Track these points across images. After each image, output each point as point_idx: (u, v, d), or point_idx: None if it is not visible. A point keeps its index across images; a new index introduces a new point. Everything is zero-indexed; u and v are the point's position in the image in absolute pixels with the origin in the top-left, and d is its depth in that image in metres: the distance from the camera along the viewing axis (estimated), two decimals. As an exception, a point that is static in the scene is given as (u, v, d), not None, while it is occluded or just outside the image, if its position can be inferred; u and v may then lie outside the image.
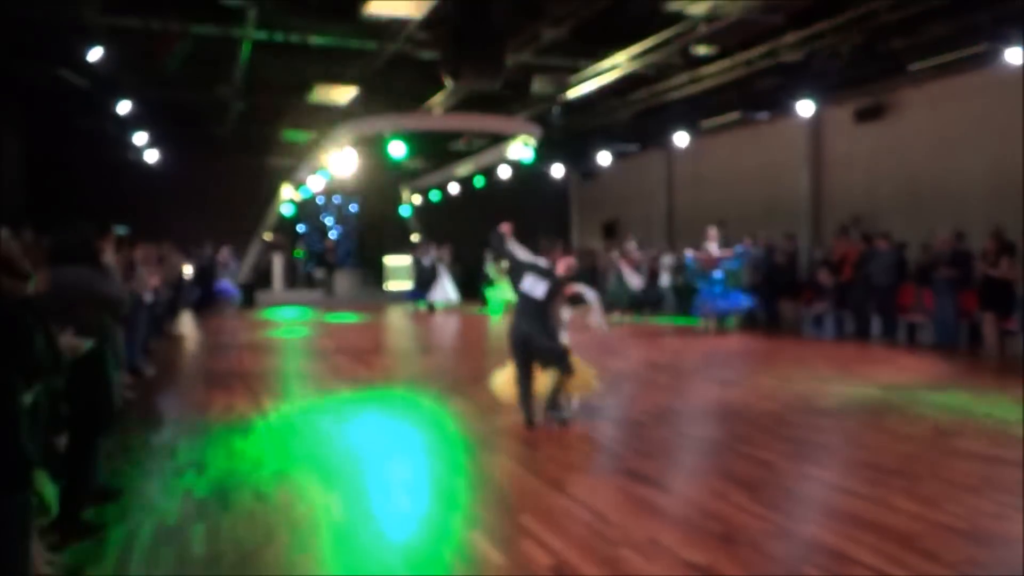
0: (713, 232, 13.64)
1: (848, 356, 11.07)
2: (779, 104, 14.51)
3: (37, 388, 2.36)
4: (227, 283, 18.82)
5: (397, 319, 18.06)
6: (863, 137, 14.91)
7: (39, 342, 2.13)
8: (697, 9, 9.63)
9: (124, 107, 13.54)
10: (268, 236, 21.91)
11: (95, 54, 10.49)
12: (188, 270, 17.00)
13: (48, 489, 3.40)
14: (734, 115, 15.64)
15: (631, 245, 16.53)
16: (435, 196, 22.79)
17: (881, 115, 14.41)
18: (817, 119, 15.27)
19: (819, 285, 13.66)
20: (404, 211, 24.40)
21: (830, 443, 6.33)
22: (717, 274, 13.31)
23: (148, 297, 9.52)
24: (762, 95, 14.64)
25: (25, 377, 2.16)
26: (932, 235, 12.20)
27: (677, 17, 10.22)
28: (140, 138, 16.65)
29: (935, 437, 6.33)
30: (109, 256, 6.02)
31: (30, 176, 17.15)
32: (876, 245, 12.64)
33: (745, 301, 13.57)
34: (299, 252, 24.93)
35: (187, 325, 15.91)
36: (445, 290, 18.61)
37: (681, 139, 16.78)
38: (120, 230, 9.91)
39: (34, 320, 2.18)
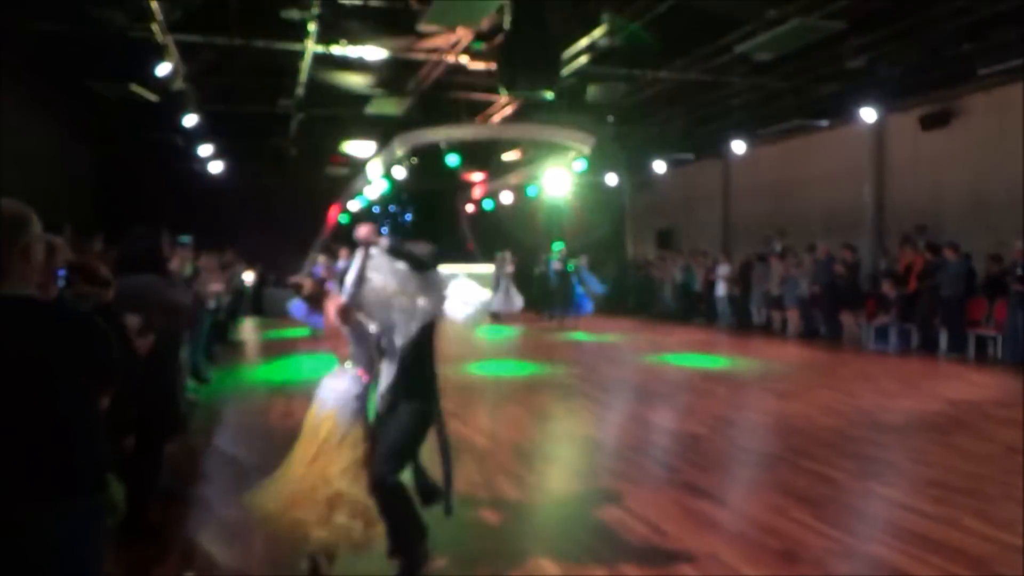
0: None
1: (913, 370, 10.72)
2: (841, 111, 14.18)
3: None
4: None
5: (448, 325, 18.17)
6: (928, 144, 14.46)
7: (115, 348, 2.20)
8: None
9: (190, 120, 14.00)
10: (328, 243, 22.30)
11: (163, 69, 10.88)
12: (249, 277, 17.40)
13: (117, 490, 3.51)
14: (793, 123, 15.34)
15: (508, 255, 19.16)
16: (488, 205, 22.89)
17: (947, 121, 13.95)
18: (880, 126, 14.86)
19: (883, 296, 13.27)
20: (487, 206, 24.38)
21: (895, 460, 6.13)
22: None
23: (211, 304, 9.78)
24: (822, 102, 14.33)
25: (101, 382, 2.24)
26: (1000, 245, 11.73)
27: (735, 22, 10.08)
28: (205, 150, 17.18)
29: (1008, 456, 6.07)
30: (176, 264, 6.21)
31: (101, 187, 17.83)
32: (944, 255, 12.23)
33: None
34: None
35: (248, 331, 16.30)
36: (510, 298, 18.65)
37: (738, 147, 16.53)
38: (184, 239, 10.23)
39: (110, 326, 2.26)
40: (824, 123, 15.44)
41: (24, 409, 2.05)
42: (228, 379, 10.17)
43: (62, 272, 2.64)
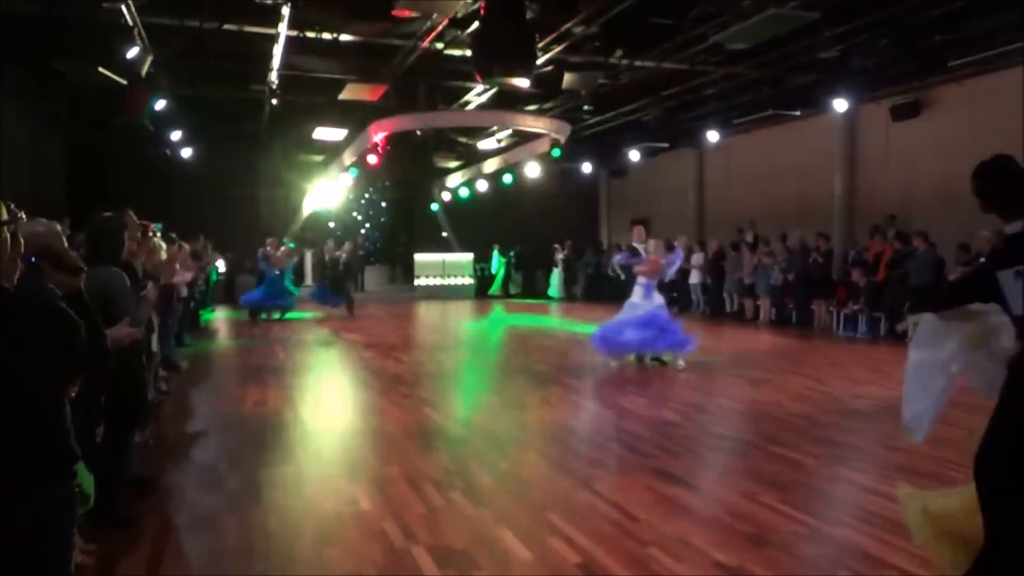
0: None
1: (882, 357, 10.89)
2: (813, 101, 14.31)
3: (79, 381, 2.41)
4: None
5: (425, 314, 18.14)
6: (899, 135, 14.65)
7: (83, 336, 2.17)
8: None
9: (160, 105, 13.74)
10: (300, 232, 22.13)
11: (133, 52, 10.67)
12: (221, 264, 17.22)
13: (87, 480, 3.47)
14: (767, 112, 15.46)
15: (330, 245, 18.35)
16: (464, 193, 22.86)
17: (918, 112, 14.15)
18: (852, 116, 15.03)
19: (853, 285, 13.47)
20: (433, 208, 24.52)
21: (863, 445, 6.24)
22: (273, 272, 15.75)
23: (183, 291, 9.66)
24: (796, 92, 14.45)
25: (69, 371, 2.21)
26: (969, 235, 11.93)
27: (710, 13, 10.12)
28: (176, 135, 16.88)
29: (970, 441, 6.18)
30: (147, 252, 6.11)
31: (70, 172, 17.49)
32: (913, 244, 12.42)
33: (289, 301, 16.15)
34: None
35: (220, 320, 16.13)
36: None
37: (712, 136, 16.65)
38: (158, 226, 10.09)
39: (79, 314, 2.23)
40: (797, 113, 15.59)
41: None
42: (200, 367, 10.07)
43: (32, 259, 2.59)
